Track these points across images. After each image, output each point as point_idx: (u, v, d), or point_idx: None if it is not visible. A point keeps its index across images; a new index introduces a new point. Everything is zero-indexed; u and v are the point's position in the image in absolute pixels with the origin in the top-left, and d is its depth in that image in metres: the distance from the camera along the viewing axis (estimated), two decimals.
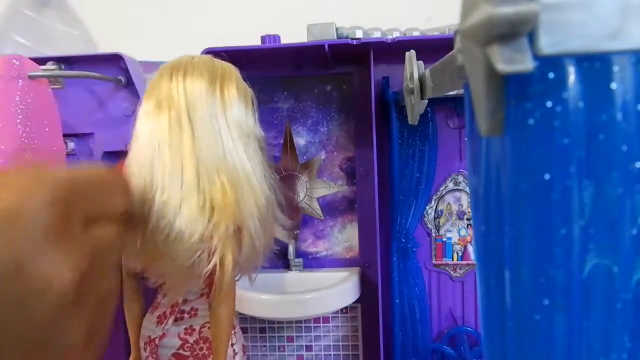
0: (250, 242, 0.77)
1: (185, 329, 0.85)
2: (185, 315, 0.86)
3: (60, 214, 0.20)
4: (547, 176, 0.24)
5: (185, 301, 0.86)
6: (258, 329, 1.37)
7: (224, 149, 0.75)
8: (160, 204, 0.71)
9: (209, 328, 0.85)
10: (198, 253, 0.72)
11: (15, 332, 0.18)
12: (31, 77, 0.99)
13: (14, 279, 0.17)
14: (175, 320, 0.86)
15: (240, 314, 1.20)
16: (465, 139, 0.32)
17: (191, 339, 0.85)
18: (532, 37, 0.23)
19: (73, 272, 0.20)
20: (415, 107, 0.69)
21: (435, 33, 1.18)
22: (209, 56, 0.82)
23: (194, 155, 0.73)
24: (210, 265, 0.73)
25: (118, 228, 0.24)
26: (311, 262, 1.35)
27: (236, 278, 0.86)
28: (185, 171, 0.73)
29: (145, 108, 0.77)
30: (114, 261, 0.25)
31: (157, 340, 0.85)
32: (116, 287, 0.25)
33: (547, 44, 0.22)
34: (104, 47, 1.37)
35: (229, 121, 0.77)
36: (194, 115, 0.74)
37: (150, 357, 0.86)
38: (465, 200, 1.28)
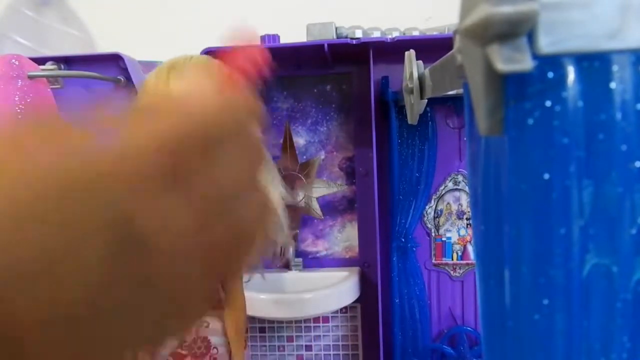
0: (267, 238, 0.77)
1: None
2: None
3: (170, 161, 0.18)
4: (546, 176, 0.24)
5: None
6: (258, 328, 1.37)
7: None
8: None
9: (206, 327, 0.86)
10: None
11: (131, 277, 0.17)
12: (30, 77, 0.99)
13: (124, 230, 0.17)
14: None
15: None
16: (465, 139, 0.32)
17: (189, 338, 0.86)
18: (531, 37, 0.23)
19: (189, 221, 0.19)
20: (414, 107, 0.69)
21: (435, 33, 1.18)
22: (207, 56, 0.82)
23: None
24: None
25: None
26: (311, 262, 1.35)
27: (246, 279, 0.88)
28: None
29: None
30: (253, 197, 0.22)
31: None
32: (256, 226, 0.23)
33: (547, 44, 0.22)
34: (104, 47, 1.37)
35: None
36: None
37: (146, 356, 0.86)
38: (464, 200, 1.28)
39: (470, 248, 1.28)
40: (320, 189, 1.34)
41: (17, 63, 0.98)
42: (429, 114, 1.24)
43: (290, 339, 1.36)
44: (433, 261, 1.30)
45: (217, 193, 0.21)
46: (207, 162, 0.20)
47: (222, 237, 0.21)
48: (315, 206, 1.34)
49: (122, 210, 0.17)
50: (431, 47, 0.84)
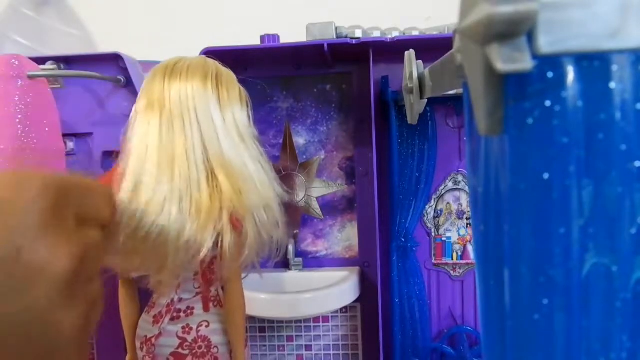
0: (255, 232, 0.78)
1: (183, 327, 0.86)
2: (182, 315, 0.87)
3: (52, 206, 0.21)
4: (546, 175, 0.24)
5: (180, 300, 0.87)
6: (258, 328, 1.37)
7: (221, 146, 0.76)
8: (145, 203, 0.71)
9: (206, 327, 0.86)
10: (191, 248, 0.72)
11: (12, 316, 0.19)
12: (30, 77, 0.99)
13: (13, 264, 0.18)
14: (172, 319, 0.86)
15: None
16: (465, 139, 0.32)
17: (189, 338, 0.86)
18: (531, 37, 0.23)
19: (68, 260, 0.21)
20: (414, 107, 0.69)
21: (435, 32, 1.18)
22: (202, 57, 0.84)
23: (185, 155, 0.74)
24: (204, 252, 0.73)
25: (103, 234, 0.26)
26: (311, 262, 1.35)
27: (243, 276, 0.89)
28: (175, 170, 0.73)
29: (137, 107, 0.78)
30: (99, 265, 0.26)
31: (153, 340, 0.86)
32: (102, 291, 0.26)
33: (546, 43, 0.22)
34: (103, 46, 1.37)
35: (226, 118, 0.78)
36: (187, 115, 0.75)
37: (147, 357, 0.87)
38: (464, 199, 1.28)
39: (470, 248, 1.28)
40: (320, 189, 1.34)
41: (17, 63, 0.98)
42: (429, 114, 1.24)
43: (290, 338, 1.36)
44: (433, 261, 1.30)
45: (89, 240, 0.23)
46: (81, 207, 0.23)
47: (93, 292, 0.24)
48: (315, 206, 1.34)
49: (13, 242, 0.19)
50: (431, 47, 0.84)
